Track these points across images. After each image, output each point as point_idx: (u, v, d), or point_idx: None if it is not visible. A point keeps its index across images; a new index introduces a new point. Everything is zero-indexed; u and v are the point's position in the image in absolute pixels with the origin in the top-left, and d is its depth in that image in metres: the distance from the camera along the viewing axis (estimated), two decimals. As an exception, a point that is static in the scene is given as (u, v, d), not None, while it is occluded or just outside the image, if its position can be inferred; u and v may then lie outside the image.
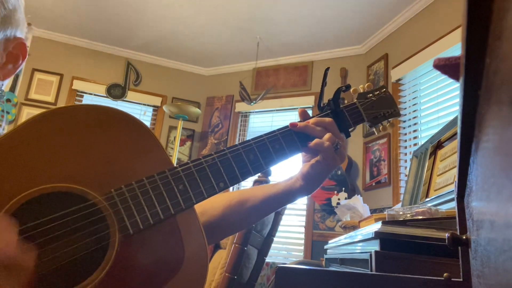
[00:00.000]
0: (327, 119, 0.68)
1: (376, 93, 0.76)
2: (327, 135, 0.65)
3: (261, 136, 0.65)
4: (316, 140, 0.65)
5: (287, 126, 0.68)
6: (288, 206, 1.79)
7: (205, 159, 0.59)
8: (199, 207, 0.61)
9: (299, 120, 0.71)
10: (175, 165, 0.57)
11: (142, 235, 0.52)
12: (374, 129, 0.77)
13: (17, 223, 0.45)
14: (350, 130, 0.73)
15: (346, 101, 0.75)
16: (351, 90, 0.76)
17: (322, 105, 0.74)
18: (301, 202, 3.35)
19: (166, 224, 0.54)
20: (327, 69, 0.79)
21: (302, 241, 3.22)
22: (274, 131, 0.67)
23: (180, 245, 0.54)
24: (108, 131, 0.54)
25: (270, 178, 1.41)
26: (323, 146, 0.64)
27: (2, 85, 0.67)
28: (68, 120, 0.52)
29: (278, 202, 0.73)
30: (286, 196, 0.71)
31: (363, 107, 0.74)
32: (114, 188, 0.52)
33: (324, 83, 0.75)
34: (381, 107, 0.75)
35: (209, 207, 0.72)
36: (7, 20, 0.63)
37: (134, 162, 0.55)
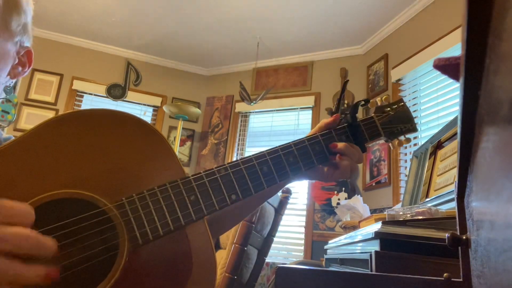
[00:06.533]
0: (356, 148, 0.69)
1: (394, 107, 0.74)
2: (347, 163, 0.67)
3: (275, 147, 0.64)
4: (346, 164, 0.67)
5: (301, 139, 0.67)
6: (288, 206, 1.78)
7: (217, 169, 0.58)
8: None
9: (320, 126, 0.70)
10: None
11: (151, 245, 0.51)
12: (390, 144, 0.75)
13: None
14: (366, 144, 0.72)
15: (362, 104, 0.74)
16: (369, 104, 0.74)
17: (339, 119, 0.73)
18: (301, 202, 3.35)
19: (175, 235, 0.53)
20: (346, 81, 0.77)
21: (302, 241, 3.22)
22: (288, 143, 0.65)
23: (188, 257, 0.53)
24: (121, 137, 0.53)
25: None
26: (348, 172, 0.67)
27: (12, 82, 0.74)
28: (81, 125, 0.51)
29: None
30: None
31: (380, 122, 0.72)
32: (125, 196, 0.51)
33: (342, 96, 0.74)
34: (398, 121, 0.73)
35: None
36: (25, 28, 0.73)
37: (146, 170, 0.53)
